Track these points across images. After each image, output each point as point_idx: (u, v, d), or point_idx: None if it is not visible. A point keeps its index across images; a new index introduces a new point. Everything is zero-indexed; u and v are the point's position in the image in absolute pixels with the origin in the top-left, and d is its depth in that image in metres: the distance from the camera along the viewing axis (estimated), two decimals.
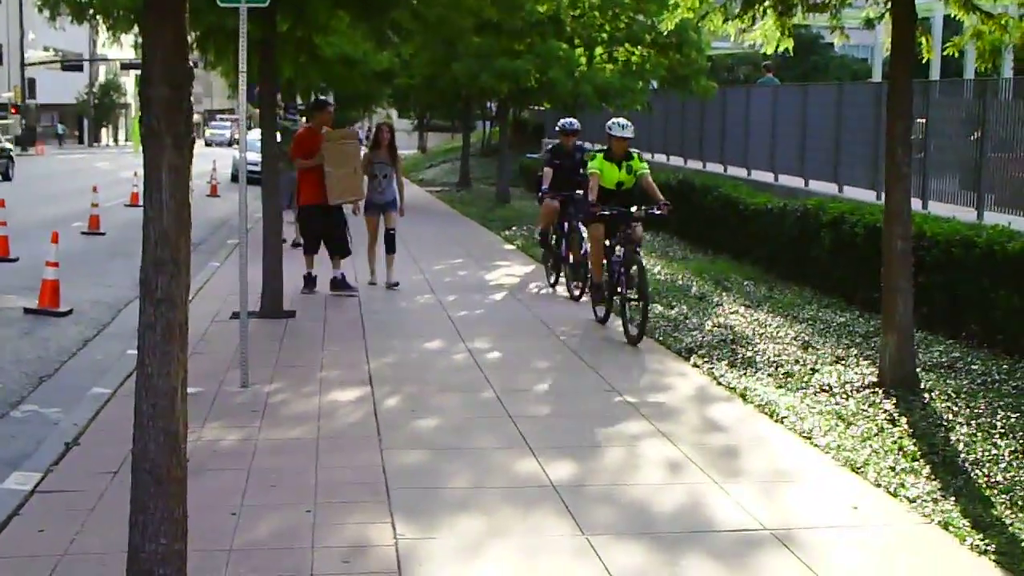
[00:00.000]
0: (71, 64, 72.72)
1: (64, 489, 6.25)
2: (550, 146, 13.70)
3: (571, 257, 13.20)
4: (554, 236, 13.90)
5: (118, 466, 6.45)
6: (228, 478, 6.43)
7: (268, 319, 11.39)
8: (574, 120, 14.02)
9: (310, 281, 13.34)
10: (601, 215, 11.07)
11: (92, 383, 8.77)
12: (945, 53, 10.35)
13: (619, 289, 10.97)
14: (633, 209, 11.03)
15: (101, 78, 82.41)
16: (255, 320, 10.85)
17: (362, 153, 14.33)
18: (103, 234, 20.44)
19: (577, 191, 12.67)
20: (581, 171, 12.16)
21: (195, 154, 4.33)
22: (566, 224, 13.29)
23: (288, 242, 16.10)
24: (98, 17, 11.80)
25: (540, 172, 14.04)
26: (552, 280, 14.01)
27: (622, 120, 11.45)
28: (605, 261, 11.39)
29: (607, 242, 11.35)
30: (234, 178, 32.41)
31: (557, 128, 13.74)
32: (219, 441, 7.21)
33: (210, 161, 36.62)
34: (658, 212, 10.98)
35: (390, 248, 13.86)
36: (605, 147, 11.39)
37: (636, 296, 10.62)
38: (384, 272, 13.91)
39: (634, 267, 10.72)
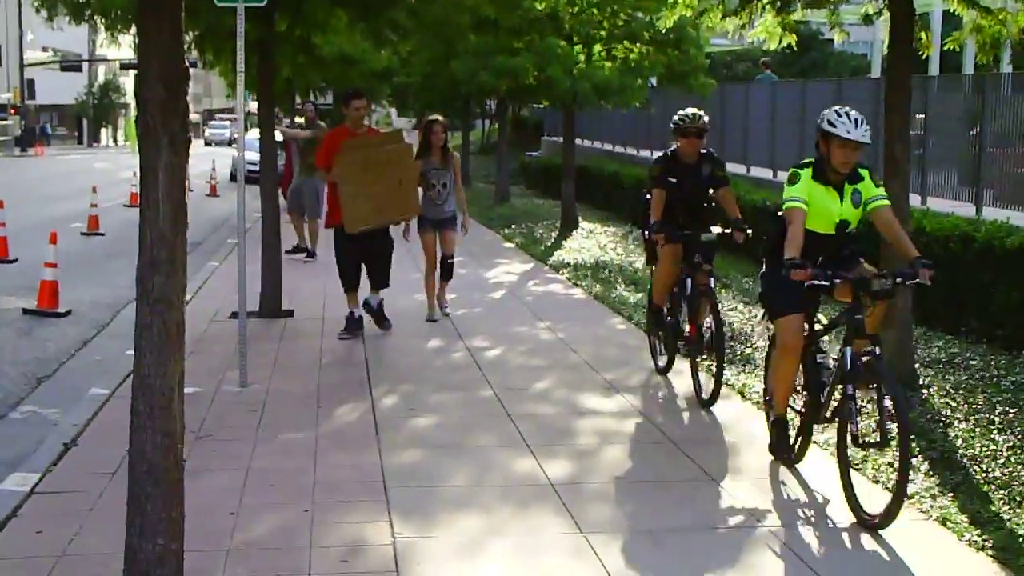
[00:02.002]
0: (70, 64, 72.69)
1: (62, 490, 6.25)
2: (661, 155, 8.81)
3: (688, 327, 8.65)
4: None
5: (116, 467, 6.44)
6: (226, 478, 6.43)
7: (267, 319, 11.39)
8: (700, 112, 8.63)
9: (353, 323, 10.63)
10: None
11: (91, 384, 8.77)
12: (945, 48, 10.35)
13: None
14: (715, 230, 8.49)
15: (100, 78, 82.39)
16: (254, 320, 10.85)
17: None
18: (102, 234, 20.44)
19: (711, 229, 8.51)
20: (711, 193, 8.75)
21: (194, 154, 4.33)
22: (687, 280, 8.60)
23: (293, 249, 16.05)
24: (96, 17, 11.78)
25: (645, 195, 9.03)
26: (663, 364, 9.16)
27: (845, 111, 6.30)
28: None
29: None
30: (233, 178, 32.42)
31: (673, 125, 8.59)
32: (217, 441, 7.20)
33: (209, 161, 36.62)
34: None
35: (444, 276, 11.57)
36: (811, 161, 6.48)
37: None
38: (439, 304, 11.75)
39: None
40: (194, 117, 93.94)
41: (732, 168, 21.82)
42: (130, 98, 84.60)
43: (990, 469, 6.61)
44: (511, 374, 9.18)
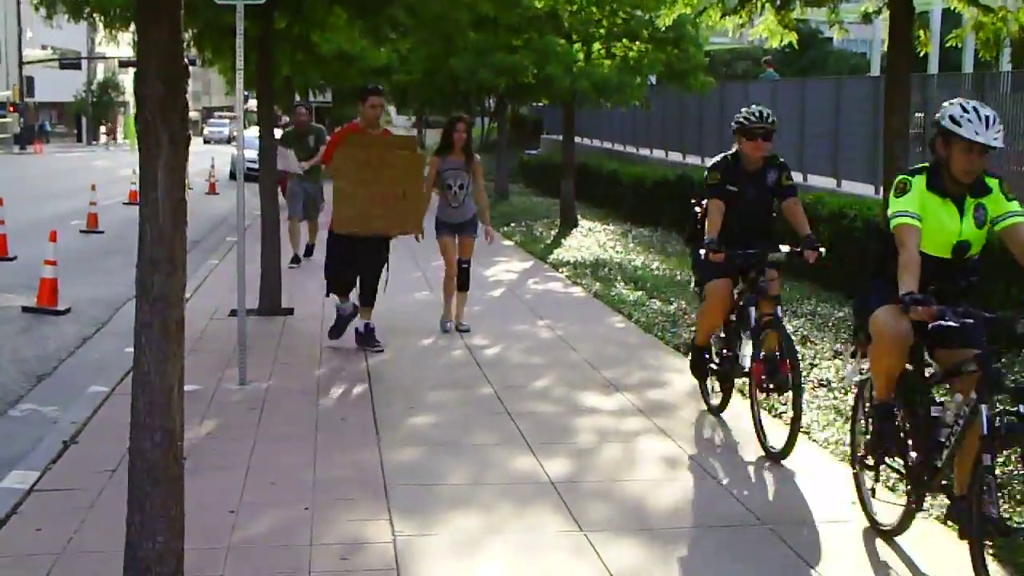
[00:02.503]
0: (69, 62, 72.67)
1: (62, 487, 6.25)
2: (718, 159, 7.54)
3: (751, 364, 7.32)
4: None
5: (116, 464, 6.44)
6: (226, 476, 6.43)
7: (266, 316, 11.40)
8: (766, 111, 7.34)
9: (342, 320, 10.09)
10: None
11: (90, 381, 8.77)
12: (947, 45, 10.35)
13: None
14: (783, 249, 7.31)
15: (99, 76, 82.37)
16: (253, 317, 10.85)
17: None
18: (101, 232, 20.43)
19: (779, 250, 7.32)
20: (776, 203, 7.57)
21: (193, 152, 4.32)
22: (750, 309, 7.31)
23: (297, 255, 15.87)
24: (95, 15, 11.78)
25: (695, 205, 7.91)
26: (718, 401, 7.91)
27: (972, 105, 5.13)
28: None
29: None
30: (232, 176, 32.40)
31: (735, 124, 7.35)
32: (217, 439, 7.20)
33: (208, 158, 36.60)
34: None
35: (462, 285, 10.76)
36: (925, 166, 5.36)
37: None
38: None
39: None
40: (193, 115, 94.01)
41: None
42: (129, 96, 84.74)
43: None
44: (511, 372, 9.18)
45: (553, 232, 20.01)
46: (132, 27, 12.24)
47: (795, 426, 6.72)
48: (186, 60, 4.23)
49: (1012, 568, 5.21)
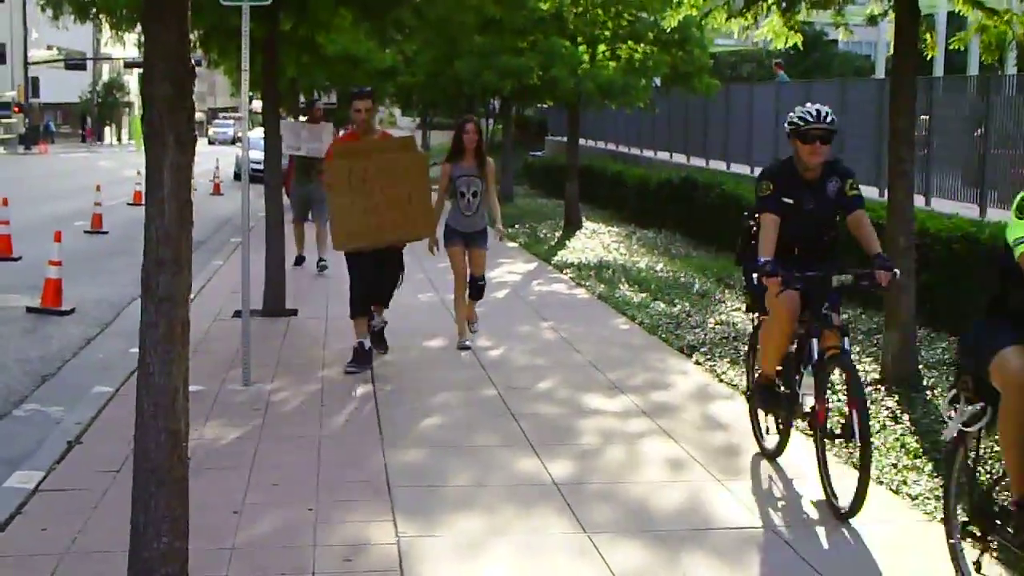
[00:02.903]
0: (74, 63, 72.75)
1: (66, 488, 6.26)
2: (771, 166, 6.91)
3: (813, 404, 6.43)
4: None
5: (120, 465, 6.45)
6: (230, 477, 6.43)
7: (270, 317, 11.40)
8: (824, 109, 6.35)
9: (362, 354, 9.22)
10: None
11: (94, 382, 8.77)
12: (950, 47, 10.35)
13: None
14: (845, 276, 6.31)
15: (105, 77, 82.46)
16: (257, 318, 10.85)
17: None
18: (106, 233, 20.44)
19: (843, 274, 6.32)
20: (838, 215, 6.63)
21: (198, 152, 4.33)
22: (812, 343, 6.36)
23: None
24: (101, 16, 11.80)
25: (748, 219, 7.06)
26: (774, 445, 6.93)
27: None
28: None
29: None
30: (237, 176, 32.43)
31: (789, 126, 6.39)
32: (221, 440, 7.21)
33: (213, 160, 36.63)
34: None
35: (473, 296, 10.28)
36: None
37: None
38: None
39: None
40: (198, 116, 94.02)
41: (736, 169, 21.87)
42: (134, 97, 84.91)
43: (994, 471, 6.59)
44: (514, 374, 9.18)
45: (557, 234, 20.01)
46: (138, 28, 12.27)
47: (864, 481, 5.77)
48: (192, 61, 4.24)
49: (1016, 571, 5.20)
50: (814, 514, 5.99)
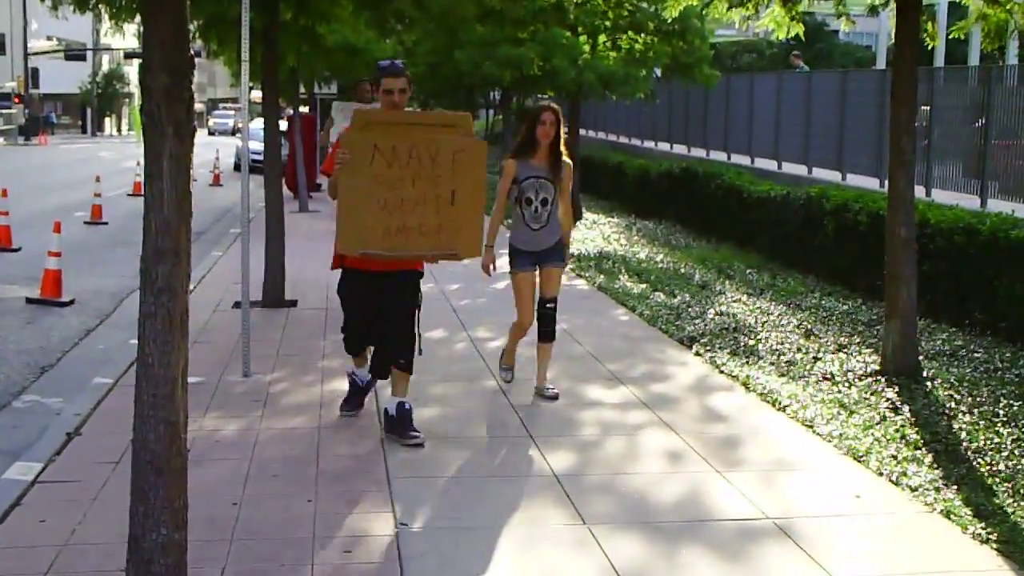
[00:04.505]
0: (74, 53, 72.70)
1: (65, 479, 6.25)
2: None
3: None
4: None
5: (119, 456, 6.45)
6: (229, 468, 6.43)
7: (270, 308, 11.40)
8: None
9: (357, 390, 7.57)
10: None
11: (94, 373, 8.77)
12: (951, 36, 10.33)
13: None
14: None
15: (104, 67, 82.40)
16: (257, 309, 10.85)
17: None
18: (105, 224, 20.43)
19: None
20: None
21: (197, 143, 4.31)
22: None
23: None
24: (100, 6, 11.77)
25: None
26: None
27: None
28: None
29: None
30: (237, 167, 32.40)
31: None
32: (220, 431, 7.20)
33: (213, 150, 36.61)
34: None
35: (546, 334, 8.06)
36: None
37: None
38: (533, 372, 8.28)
39: None
40: (198, 107, 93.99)
41: (737, 160, 21.86)
42: (134, 87, 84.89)
43: (994, 462, 6.60)
44: (515, 365, 9.16)
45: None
46: (138, 18, 12.24)
47: None
48: (191, 51, 4.22)
49: (1017, 563, 5.20)
50: (814, 505, 5.99)
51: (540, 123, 7.75)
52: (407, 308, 7.00)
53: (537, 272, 7.97)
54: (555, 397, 8.00)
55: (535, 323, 8.06)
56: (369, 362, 7.44)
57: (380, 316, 7.05)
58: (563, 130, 7.86)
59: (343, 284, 7.25)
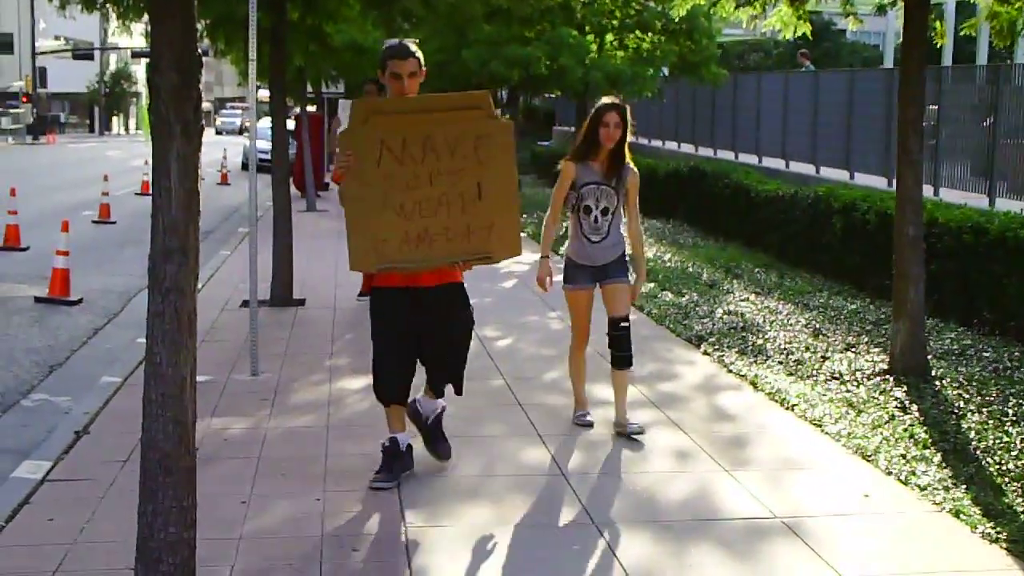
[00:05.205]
0: (82, 53, 72.84)
1: (74, 478, 6.26)
2: None
3: None
4: None
5: (128, 455, 6.45)
6: (238, 467, 6.44)
7: (278, 307, 11.40)
8: None
9: (391, 457, 6.15)
10: None
11: (102, 372, 8.79)
12: (961, 34, 10.31)
13: None
14: None
15: (112, 67, 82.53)
16: (265, 308, 10.85)
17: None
18: (114, 223, 20.47)
19: None
20: None
21: (205, 142, 4.32)
22: None
23: None
24: (108, 5, 11.80)
25: None
26: None
27: None
28: None
29: None
30: (244, 166, 32.43)
31: None
32: (229, 430, 7.21)
33: (220, 149, 36.66)
34: None
35: (621, 359, 7.12)
36: None
37: None
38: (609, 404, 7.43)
39: None
40: (206, 106, 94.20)
41: (744, 159, 21.83)
42: (142, 86, 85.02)
43: (1003, 461, 6.58)
44: (522, 364, 9.17)
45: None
46: (145, 17, 12.27)
47: None
48: (199, 50, 4.22)
49: None
50: (823, 505, 5.98)
51: (603, 124, 6.85)
52: (457, 327, 6.12)
53: (597, 289, 7.19)
54: (640, 433, 7.03)
55: (586, 343, 7.35)
56: (407, 421, 6.32)
57: (420, 344, 6.11)
58: (630, 131, 6.95)
59: (372, 309, 6.15)
